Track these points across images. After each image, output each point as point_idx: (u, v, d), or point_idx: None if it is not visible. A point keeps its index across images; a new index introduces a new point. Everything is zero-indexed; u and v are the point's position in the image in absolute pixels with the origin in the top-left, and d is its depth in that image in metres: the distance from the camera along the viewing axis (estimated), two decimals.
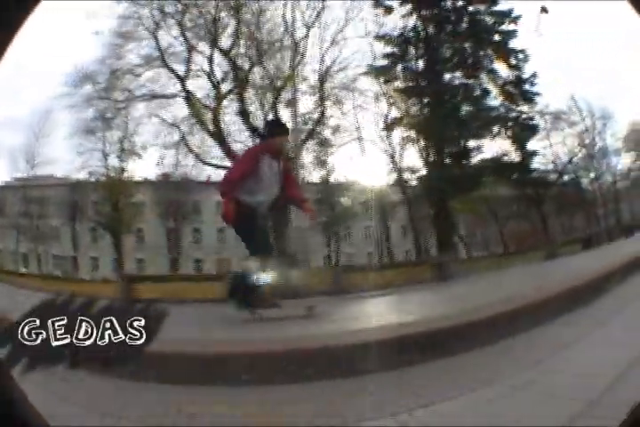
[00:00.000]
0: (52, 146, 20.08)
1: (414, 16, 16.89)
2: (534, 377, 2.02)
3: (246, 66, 17.99)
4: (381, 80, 16.82)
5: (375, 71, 16.65)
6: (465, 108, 15.92)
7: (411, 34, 16.70)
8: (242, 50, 17.98)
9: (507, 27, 17.22)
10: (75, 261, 18.15)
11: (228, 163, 18.08)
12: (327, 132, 19.41)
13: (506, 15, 17.13)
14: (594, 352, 2.22)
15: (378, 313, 3.91)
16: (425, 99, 16.23)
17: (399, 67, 16.69)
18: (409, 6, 16.85)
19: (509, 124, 16.53)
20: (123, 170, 18.72)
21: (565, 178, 22.85)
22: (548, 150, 22.49)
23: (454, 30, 16.78)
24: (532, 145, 24.35)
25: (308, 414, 1.98)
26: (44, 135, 18.23)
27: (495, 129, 16.41)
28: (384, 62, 16.77)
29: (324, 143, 20.32)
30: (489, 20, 17.30)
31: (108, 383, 2.43)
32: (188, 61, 16.97)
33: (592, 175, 24.08)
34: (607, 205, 24.78)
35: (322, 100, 18.26)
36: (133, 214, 19.35)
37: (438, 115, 15.64)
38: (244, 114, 16.57)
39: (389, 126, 16.94)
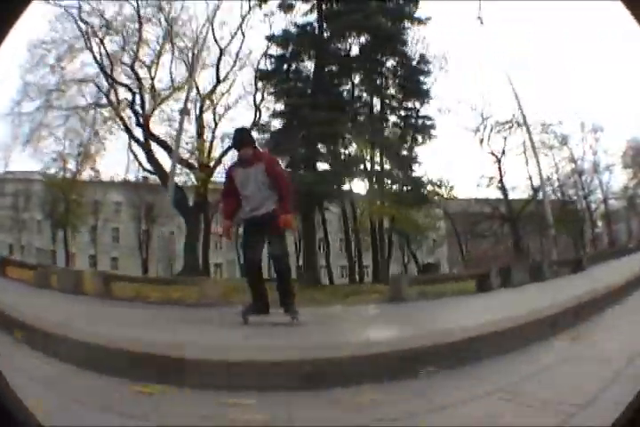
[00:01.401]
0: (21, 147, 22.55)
1: (314, 13, 15.93)
2: None
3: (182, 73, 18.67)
4: (271, 82, 16.13)
5: (261, 74, 16.08)
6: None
7: (304, 31, 15.74)
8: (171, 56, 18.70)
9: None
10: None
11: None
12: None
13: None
14: None
15: None
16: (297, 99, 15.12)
17: (285, 67, 15.86)
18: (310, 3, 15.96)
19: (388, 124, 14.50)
20: (78, 172, 20.56)
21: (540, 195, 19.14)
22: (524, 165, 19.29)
23: (354, 24, 15.38)
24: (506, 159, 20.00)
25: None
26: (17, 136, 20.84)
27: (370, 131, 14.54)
28: (272, 64, 16.06)
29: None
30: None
31: (102, 384, 2.39)
32: (110, 73, 18.11)
33: (580, 193, 19.98)
34: (595, 227, 20.24)
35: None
36: (83, 213, 21.14)
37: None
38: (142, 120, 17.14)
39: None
